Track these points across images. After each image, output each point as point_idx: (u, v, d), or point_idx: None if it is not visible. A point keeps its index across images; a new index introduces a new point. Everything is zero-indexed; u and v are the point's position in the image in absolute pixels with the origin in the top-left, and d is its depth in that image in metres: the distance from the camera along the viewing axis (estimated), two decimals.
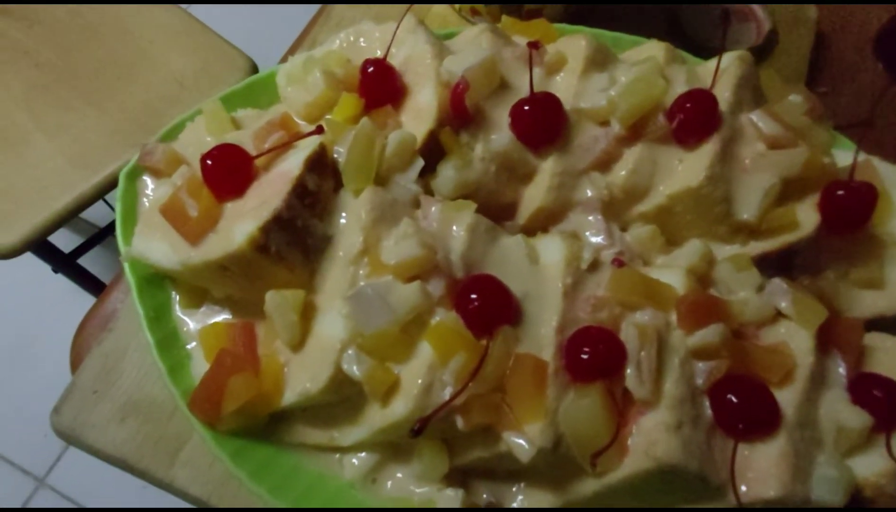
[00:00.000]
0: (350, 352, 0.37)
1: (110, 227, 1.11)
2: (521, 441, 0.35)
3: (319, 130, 0.42)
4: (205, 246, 0.39)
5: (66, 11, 1.02)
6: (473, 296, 0.36)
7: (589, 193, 0.43)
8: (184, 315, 0.43)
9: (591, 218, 0.43)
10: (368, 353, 0.36)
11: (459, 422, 0.35)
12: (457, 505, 0.37)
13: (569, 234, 0.42)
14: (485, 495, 0.40)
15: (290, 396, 0.38)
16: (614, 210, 0.44)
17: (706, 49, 0.55)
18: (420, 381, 0.35)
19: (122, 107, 1.00)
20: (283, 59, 0.57)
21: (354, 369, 0.36)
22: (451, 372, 0.35)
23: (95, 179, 0.93)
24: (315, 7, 0.74)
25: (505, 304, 0.37)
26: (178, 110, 1.03)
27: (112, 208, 1.08)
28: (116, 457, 0.43)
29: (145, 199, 0.45)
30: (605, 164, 0.44)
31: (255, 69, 1.04)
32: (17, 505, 1.21)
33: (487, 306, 0.36)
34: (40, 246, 0.95)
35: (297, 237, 0.39)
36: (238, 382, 0.38)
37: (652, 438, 0.35)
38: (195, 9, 1.12)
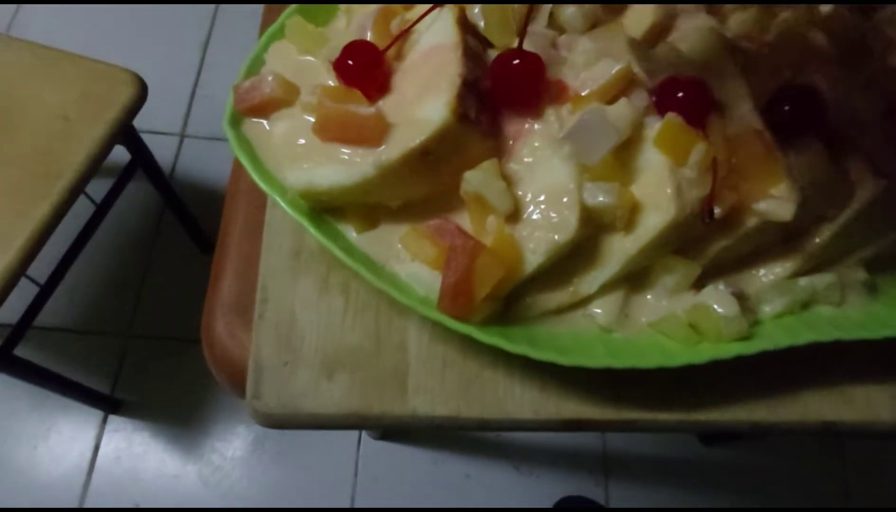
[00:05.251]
0: (589, 185, 0.36)
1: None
2: (775, 204, 0.36)
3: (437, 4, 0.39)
4: (393, 141, 0.36)
5: None
6: (680, 94, 0.37)
7: None
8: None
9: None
10: (606, 180, 0.36)
11: (717, 210, 0.36)
12: (732, 302, 0.38)
13: None
14: (725, 287, 0.41)
15: (534, 259, 0.37)
16: None
17: None
18: (668, 189, 0.35)
19: (9, 162, 0.89)
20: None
21: (601, 199, 0.35)
22: (694, 165, 0.35)
23: (15, 246, 0.82)
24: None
25: (705, 92, 0.38)
26: (73, 145, 0.93)
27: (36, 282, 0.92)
28: (344, 414, 0.39)
29: (260, 142, 0.40)
30: None
31: (141, 80, 0.96)
32: None
33: (694, 97, 0.37)
34: None
35: (483, 100, 0.37)
36: (485, 264, 0.35)
37: None
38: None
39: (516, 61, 0.37)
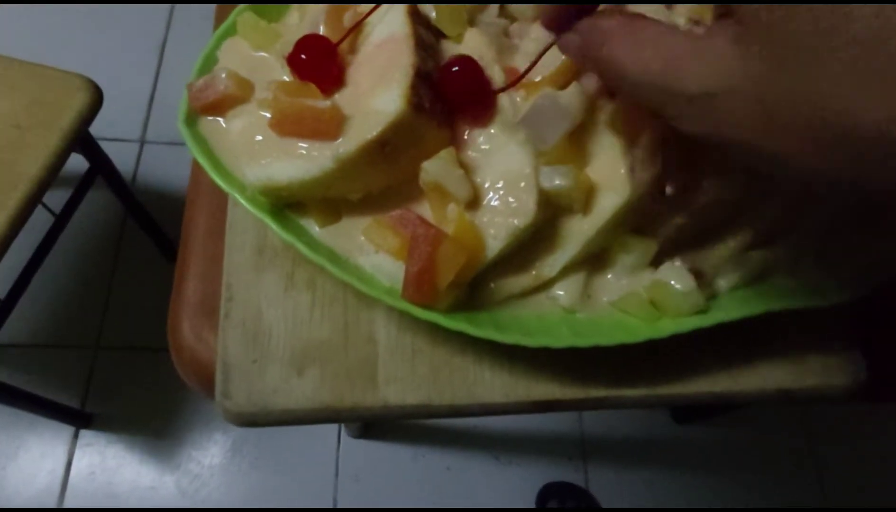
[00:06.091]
0: (545, 169, 0.36)
1: None
2: (725, 181, 0.37)
3: None
4: (350, 134, 0.36)
5: None
6: None
7: None
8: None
9: None
10: (562, 163, 0.36)
11: (669, 189, 0.37)
12: (689, 277, 0.39)
13: None
14: (682, 264, 0.42)
15: (495, 244, 0.37)
16: None
17: None
18: (622, 169, 0.36)
19: None
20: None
21: (557, 182, 0.36)
22: (645, 146, 0.36)
23: None
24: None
25: None
26: (27, 154, 0.91)
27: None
28: (317, 408, 0.39)
29: (217, 140, 0.40)
30: None
31: (96, 86, 0.95)
32: None
33: None
34: None
35: (436, 90, 0.37)
36: (447, 250, 0.36)
37: None
38: None
39: (455, 69, 0.37)
